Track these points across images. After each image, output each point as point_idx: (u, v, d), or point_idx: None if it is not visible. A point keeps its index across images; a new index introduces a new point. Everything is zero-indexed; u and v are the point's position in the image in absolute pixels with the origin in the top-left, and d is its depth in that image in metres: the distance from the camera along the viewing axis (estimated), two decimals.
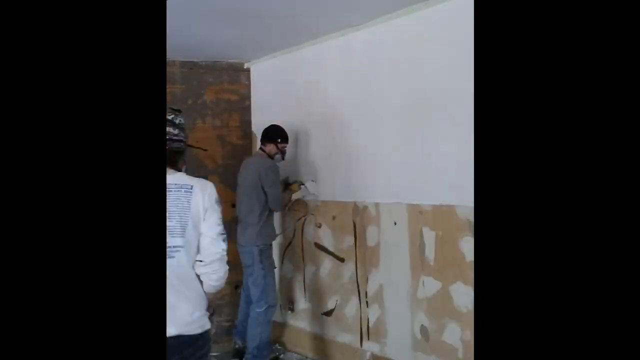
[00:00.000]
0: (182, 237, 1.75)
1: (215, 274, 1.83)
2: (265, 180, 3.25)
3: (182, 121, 1.95)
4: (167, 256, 1.68)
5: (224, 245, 1.84)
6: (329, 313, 3.50)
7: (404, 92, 2.90)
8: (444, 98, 2.67)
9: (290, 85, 3.72)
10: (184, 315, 1.75)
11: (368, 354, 3.20)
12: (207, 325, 1.85)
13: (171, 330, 1.68)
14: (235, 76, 4.07)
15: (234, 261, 4.03)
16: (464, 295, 2.62)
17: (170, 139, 1.84)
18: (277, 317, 3.96)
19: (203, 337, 1.82)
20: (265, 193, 3.26)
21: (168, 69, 3.78)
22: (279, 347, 3.88)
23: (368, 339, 3.21)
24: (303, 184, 3.63)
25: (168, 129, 1.85)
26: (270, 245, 3.39)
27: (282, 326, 3.91)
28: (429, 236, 2.78)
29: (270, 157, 3.41)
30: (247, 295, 3.48)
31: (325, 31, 3.27)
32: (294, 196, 3.56)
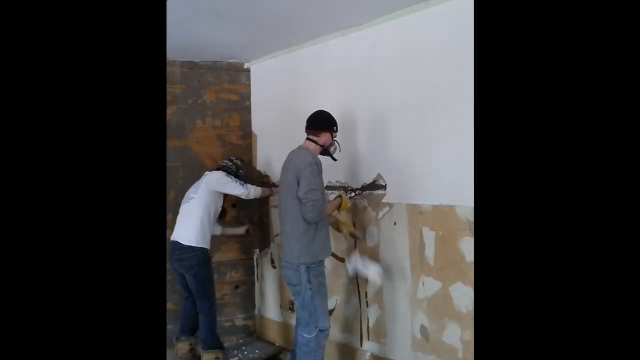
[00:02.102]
0: (195, 194, 3.40)
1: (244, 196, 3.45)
2: (302, 179, 2.64)
3: (239, 163, 3.63)
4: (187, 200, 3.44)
5: (240, 190, 3.39)
6: (329, 313, 3.50)
7: (403, 92, 2.90)
8: (444, 98, 2.67)
9: (290, 85, 3.72)
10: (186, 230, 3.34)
11: (368, 354, 3.20)
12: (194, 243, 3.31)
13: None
14: (235, 76, 4.07)
15: (234, 259, 4.05)
16: (464, 295, 2.62)
17: (225, 164, 3.57)
18: (277, 317, 3.97)
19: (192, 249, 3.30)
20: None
21: (168, 69, 3.78)
22: (277, 346, 3.89)
23: (368, 339, 3.21)
24: (357, 193, 3.02)
25: (225, 161, 3.61)
26: (322, 262, 2.83)
27: (282, 326, 3.91)
28: (429, 236, 2.78)
29: (326, 150, 2.84)
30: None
31: (325, 31, 3.27)
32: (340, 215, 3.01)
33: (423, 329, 2.84)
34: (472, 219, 2.55)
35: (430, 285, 2.79)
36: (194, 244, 3.31)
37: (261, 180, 4.05)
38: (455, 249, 2.64)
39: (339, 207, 2.94)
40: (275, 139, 3.91)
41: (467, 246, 2.59)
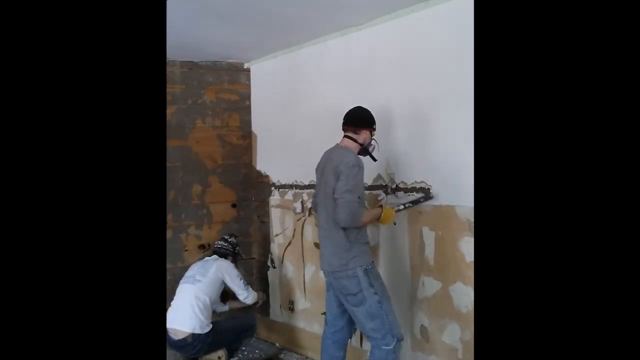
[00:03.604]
0: (203, 277, 3.43)
1: (242, 297, 3.58)
2: (341, 179, 2.41)
3: (234, 241, 3.67)
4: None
5: (242, 292, 3.53)
6: None
7: (403, 92, 2.90)
8: (444, 98, 2.67)
9: (290, 85, 3.72)
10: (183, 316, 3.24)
11: (368, 354, 3.19)
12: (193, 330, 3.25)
13: None
14: (235, 76, 4.07)
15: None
16: (463, 295, 2.62)
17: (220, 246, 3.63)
18: (277, 317, 3.97)
19: None
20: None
21: (168, 69, 3.78)
22: (277, 346, 3.89)
23: (368, 339, 3.20)
24: (406, 206, 2.72)
25: (220, 242, 3.66)
26: (374, 262, 2.60)
27: (282, 326, 3.91)
28: (429, 236, 2.78)
29: (365, 149, 2.61)
30: (335, 332, 2.75)
31: (325, 31, 3.27)
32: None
33: (423, 329, 2.84)
34: (472, 219, 2.55)
35: (430, 285, 2.79)
36: (197, 331, 3.21)
37: (261, 180, 4.06)
38: (455, 249, 2.64)
39: (378, 219, 2.58)
40: (275, 139, 3.91)
41: (467, 246, 2.59)
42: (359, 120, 2.63)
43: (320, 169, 2.67)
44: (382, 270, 3.09)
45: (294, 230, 3.75)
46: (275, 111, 3.87)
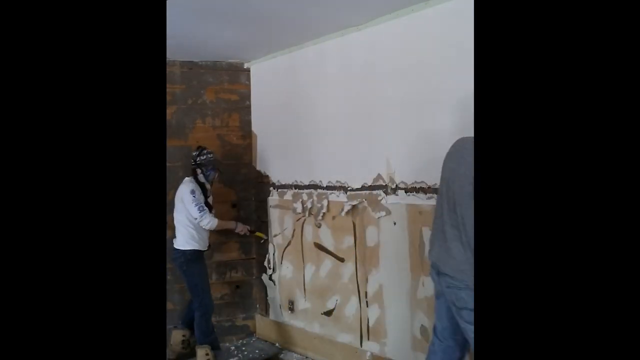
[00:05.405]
0: (176, 202, 3.52)
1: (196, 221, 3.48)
2: None
3: (194, 154, 3.58)
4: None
5: (195, 214, 3.41)
6: (328, 313, 3.50)
7: (403, 92, 2.90)
8: (444, 98, 2.67)
9: (290, 85, 3.72)
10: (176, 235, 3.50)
11: (368, 354, 3.20)
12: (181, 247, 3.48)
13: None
14: (235, 76, 4.07)
15: (234, 259, 4.05)
16: None
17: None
18: (277, 317, 3.97)
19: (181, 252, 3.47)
20: None
21: (168, 69, 3.78)
22: (277, 346, 3.89)
23: (368, 339, 3.21)
24: None
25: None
26: None
27: (282, 326, 3.91)
28: (429, 236, 2.78)
29: None
30: (448, 347, 2.26)
31: (325, 31, 3.27)
32: None
33: (423, 329, 2.84)
34: None
35: (430, 285, 2.79)
36: (180, 247, 3.46)
37: (261, 180, 4.06)
38: None
39: None
40: (275, 139, 3.91)
41: None
42: None
43: (457, 164, 2.14)
44: (382, 270, 3.09)
45: (294, 230, 3.76)
46: (275, 111, 3.87)
